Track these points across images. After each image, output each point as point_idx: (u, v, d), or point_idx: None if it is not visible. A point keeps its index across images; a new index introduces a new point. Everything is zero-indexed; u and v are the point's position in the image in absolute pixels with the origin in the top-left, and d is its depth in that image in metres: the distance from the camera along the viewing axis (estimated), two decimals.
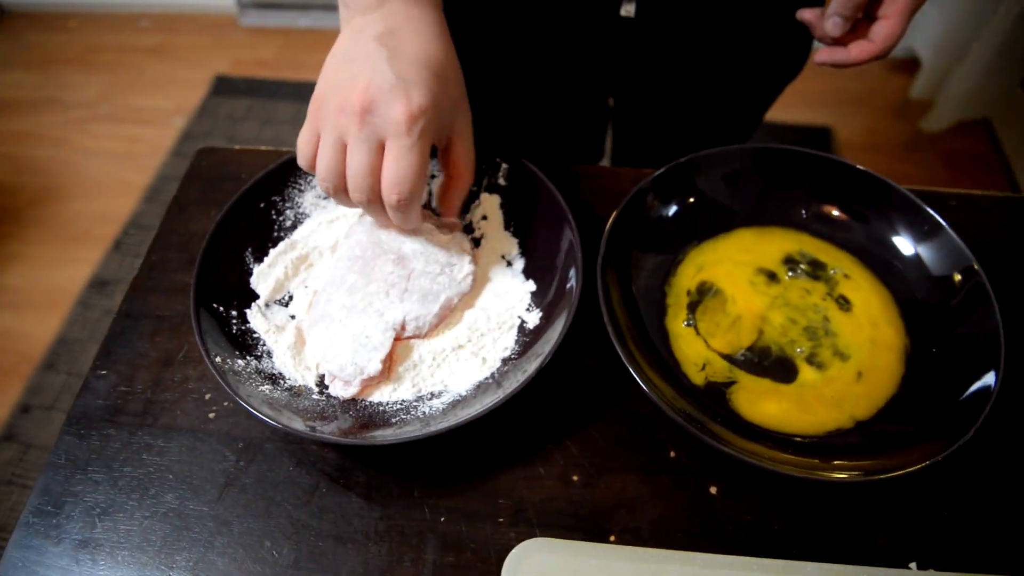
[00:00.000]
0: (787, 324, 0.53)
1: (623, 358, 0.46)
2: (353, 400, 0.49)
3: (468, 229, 0.59)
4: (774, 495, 0.46)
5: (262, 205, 0.57)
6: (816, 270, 0.55)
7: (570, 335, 0.49)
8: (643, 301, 0.53)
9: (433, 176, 0.60)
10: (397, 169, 0.46)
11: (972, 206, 0.61)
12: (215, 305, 0.51)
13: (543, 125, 0.90)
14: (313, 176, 0.59)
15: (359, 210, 0.54)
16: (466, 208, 0.60)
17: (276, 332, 0.52)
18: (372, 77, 0.45)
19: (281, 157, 0.60)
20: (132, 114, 2.13)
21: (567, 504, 0.47)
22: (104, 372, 0.54)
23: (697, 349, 0.52)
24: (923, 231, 0.52)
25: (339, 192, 0.48)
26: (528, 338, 0.51)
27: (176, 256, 0.60)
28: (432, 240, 0.54)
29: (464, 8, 0.75)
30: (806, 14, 0.59)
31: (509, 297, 0.54)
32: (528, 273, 0.55)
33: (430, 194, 0.59)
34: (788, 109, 1.99)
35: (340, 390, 0.50)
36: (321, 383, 0.51)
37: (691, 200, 0.57)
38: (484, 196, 0.59)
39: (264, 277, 0.54)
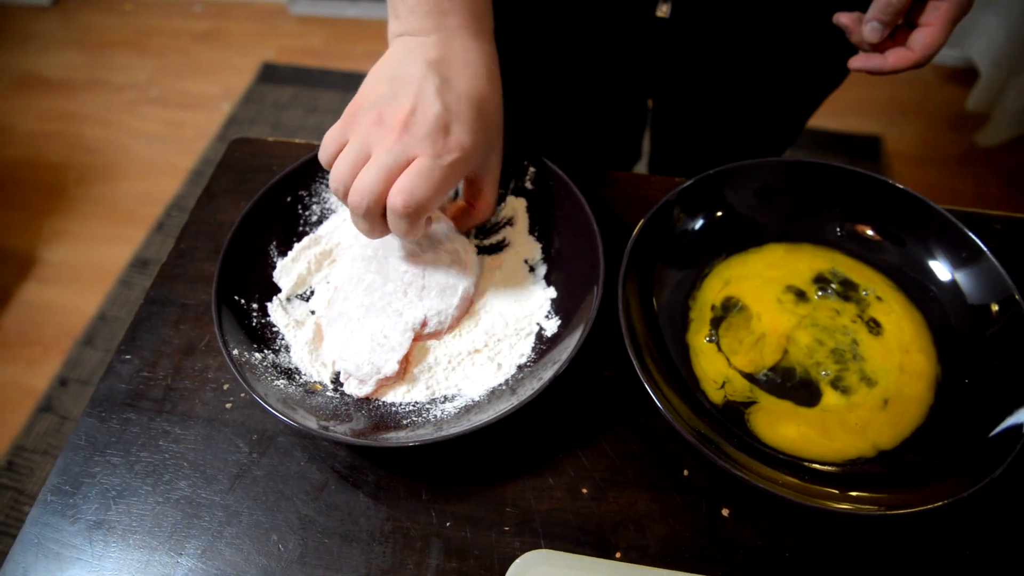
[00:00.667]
0: (813, 345, 0.51)
1: (639, 372, 0.45)
2: (366, 400, 0.50)
3: (492, 231, 0.59)
4: (788, 521, 0.45)
5: (289, 199, 0.57)
6: (847, 290, 0.54)
7: (589, 345, 0.48)
8: (665, 314, 0.52)
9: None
10: (417, 179, 0.45)
11: (1019, 230, 0.59)
12: (236, 297, 0.52)
13: (580, 126, 0.89)
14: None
15: None
16: None
17: (295, 327, 0.53)
18: (419, 101, 0.45)
19: (311, 151, 0.60)
20: (180, 98, 2.18)
21: (574, 516, 0.46)
22: (128, 357, 0.55)
23: (717, 366, 0.50)
24: (961, 256, 0.50)
25: (345, 197, 0.48)
26: (545, 346, 0.51)
27: (204, 245, 0.61)
28: (431, 232, 0.54)
29: (503, 9, 0.74)
30: (843, 18, 0.57)
31: (529, 303, 0.53)
32: (550, 279, 0.55)
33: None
34: (836, 116, 1.95)
35: (355, 388, 0.50)
36: (336, 380, 0.51)
37: (719, 214, 0.55)
38: (511, 199, 0.59)
39: (287, 272, 0.55)
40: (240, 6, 2.50)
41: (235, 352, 0.48)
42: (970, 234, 0.50)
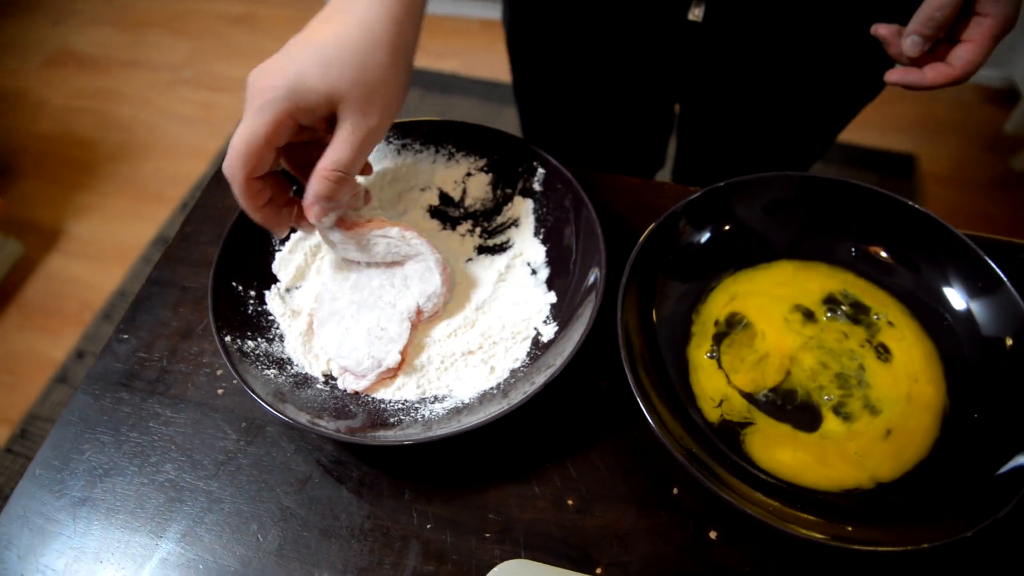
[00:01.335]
0: (818, 368, 0.50)
1: (632, 384, 0.44)
2: (356, 395, 0.49)
3: (497, 231, 0.58)
4: (776, 549, 0.44)
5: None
6: (858, 313, 0.52)
7: (585, 353, 0.47)
8: (666, 326, 0.51)
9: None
10: (237, 133, 0.43)
11: None
12: (234, 283, 0.52)
13: (605, 129, 0.88)
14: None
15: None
16: (498, 210, 0.59)
17: (291, 317, 0.52)
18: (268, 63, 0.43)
19: None
20: (212, 81, 2.20)
21: (557, 528, 0.45)
22: (126, 336, 0.55)
23: (716, 384, 0.49)
24: (978, 286, 0.48)
25: None
26: (541, 351, 0.50)
27: (209, 230, 0.61)
28: (369, 241, 0.52)
29: (533, 12, 0.73)
30: (881, 29, 0.55)
31: (527, 307, 0.52)
32: (551, 284, 0.54)
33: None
34: (869, 131, 1.90)
35: (351, 384, 0.49)
36: (328, 375, 0.50)
37: (727, 227, 0.54)
38: (517, 199, 0.58)
39: (285, 263, 0.54)
40: None
41: (228, 338, 0.48)
42: (989, 262, 0.48)
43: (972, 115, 1.99)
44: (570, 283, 0.52)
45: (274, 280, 0.54)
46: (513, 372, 0.49)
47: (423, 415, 0.47)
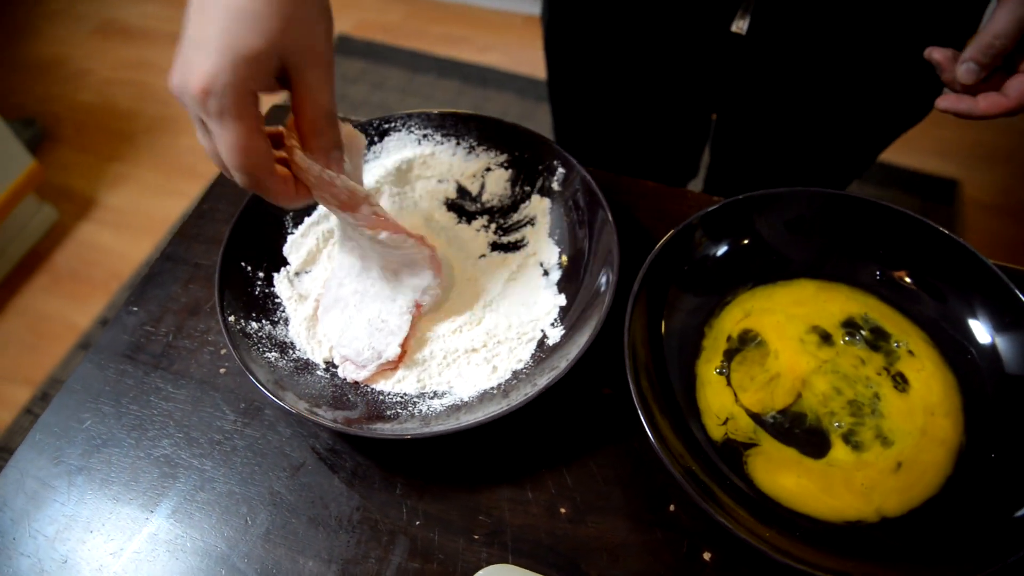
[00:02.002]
0: (831, 393, 0.48)
1: (634, 395, 0.42)
2: (355, 385, 0.49)
3: (513, 228, 0.57)
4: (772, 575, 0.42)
5: None
6: (878, 340, 0.50)
7: (591, 360, 0.46)
8: (677, 339, 0.50)
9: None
10: (225, 154, 0.38)
11: None
12: (243, 263, 0.52)
13: (640, 135, 0.86)
14: (368, 149, 0.58)
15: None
16: (515, 207, 0.58)
17: (298, 301, 0.52)
18: (177, 59, 0.38)
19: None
20: None
21: (548, 535, 0.44)
22: (135, 309, 0.55)
23: (723, 401, 0.48)
24: (1005, 320, 0.46)
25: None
26: (545, 354, 0.49)
27: (225, 208, 0.61)
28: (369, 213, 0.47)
29: (572, 15, 0.72)
30: (936, 54, 0.53)
31: (536, 308, 0.52)
32: (562, 286, 0.53)
33: None
34: (914, 153, 1.85)
35: (352, 373, 0.49)
36: (330, 362, 0.50)
37: (745, 241, 0.52)
38: (535, 198, 0.57)
39: (297, 247, 0.54)
40: None
41: (231, 318, 0.48)
42: (1020, 295, 0.46)
43: (1020, 144, 1.92)
44: (581, 287, 0.51)
45: (284, 263, 0.54)
46: (515, 373, 0.48)
47: (421, 410, 0.47)
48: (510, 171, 0.58)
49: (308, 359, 0.50)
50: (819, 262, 0.53)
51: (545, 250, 0.55)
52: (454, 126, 0.59)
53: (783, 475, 0.45)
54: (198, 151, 1.94)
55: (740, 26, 0.63)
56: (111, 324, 0.55)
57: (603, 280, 0.49)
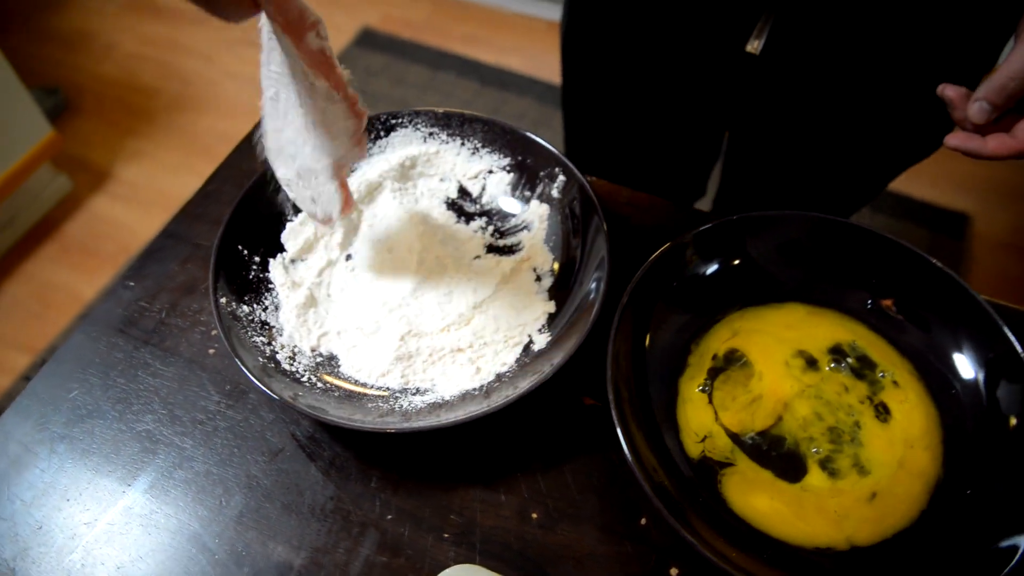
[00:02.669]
0: (811, 418, 0.48)
1: (612, 408, 0.43)
2: (338, 375, 0.49)
3: (510, 232, 0.57)
4: None
5: None
6: (864, 368, 0.50)
7: (573, 368, 0.46)
8: (662, 354, 0.50)
9: None
10: None
11: None
12: (240, 247, 0.52)
13: (649, 149, 0.86)
14: (373, 143, 0.59)
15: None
16: (513, 211, 0.58)
17: (291, 288, 0.53)
18: None
19: None
20: None
21: (517, 539, 0.44)
22: (131, 284, 0.56)
23: (703, 419, 0.48)
24: (989, 356, 0.46)
25: None
26: (529, 359, 0.49)
27: (230, 191, 0.62)
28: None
29: (590, 27, 0.73)
30: (949, 91, 0.53)
31: (525, 313, 0.52)
32: (552, 293, 0.53)
33: None
34: (926, 185, 1.85)
35: (322, 228, 0.51)
36: (315, 349, 0.50)
37: (736, 262, 0.52)
38: (534, 203, 0.57)
39: (295, 235, 0.55)
40: None
41: (223, 300, 0.48)
42: (1007, 332, 0.46)
43: None
44: (570, 295, 0.51)
45: (281, 249, 0.54)
46: (499, 376, 0.49)
47: (402, 405, 0.47)
48: (512, 175, 0.58)
49: (296, 346, 0.50)
50: (810, 286, 0.53)
51: (539, 256, 0.55)
52: (460, 126, 0.59)
53: (757, 496, 0.45)
54: (217, 132, 1.95)
55: (755, 46, 0.63)
56: (106, 297, 0.55)
57: (592, 289, 0.49)
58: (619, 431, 0.42)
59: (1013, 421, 0.44)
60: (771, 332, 0.52)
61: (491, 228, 0.57)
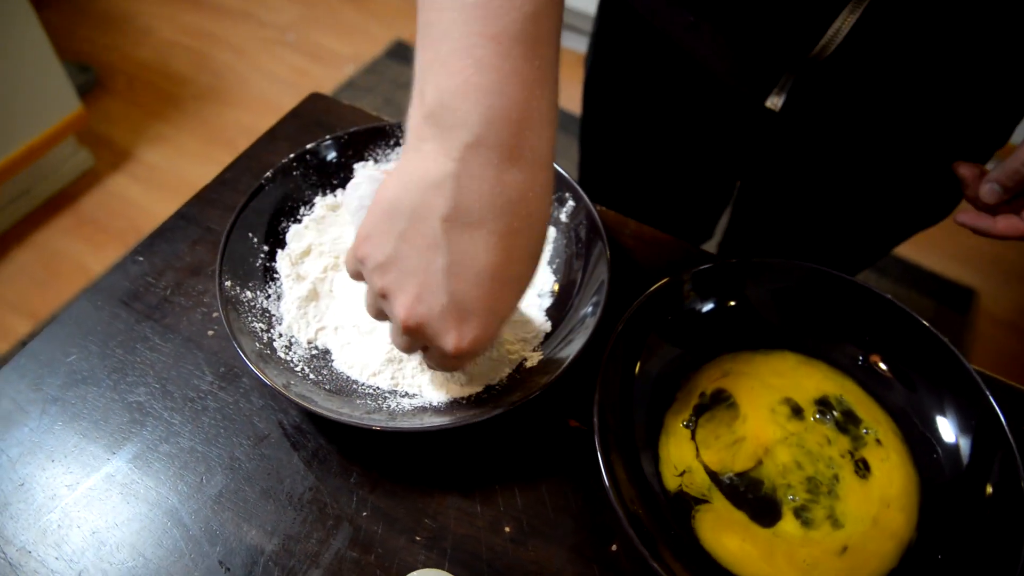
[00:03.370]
0: (791, 466, 0.48)
1: (595, 433, 0.43)
2: (330, 371, 0.50)
3: None
4: None
5: (331, 158, 0.59)
6: (848, 423, 0.51)
7: (563, 390, 0.47)
8: (650, 385, 0.50)
9: None
10: (442, 358, 0.42)
11: None
12: (250, 234, 0.53)
13: (661, 190, 0.88)
14: (392, 151, 0.60)
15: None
16: None
17: (296, 280, 0.54)
18: (422, 292, 0.37)
19: (377, 122, 0.61)
20: (312, 49, 2.27)
21: (487, 551, 0.45)
22: (140, 259, 0.57)
23: (683, 454, 0.48)
24: (971, 423, 0.47)
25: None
26: (520, 375, 0.50)
27: (247, 181, 0.63)
28: None
29: (614, 68, 0.74)
30: (963, 169, 0.55)
31: (521, 331, 0.53)
32: (550, 313, 0.54)
33: None
34: (934, 255, 1.86)
35: None
36: (312, 341, 0.51)
37: (731, 303, 0.53)
38: None
39: (298, 237, 0.56)
40: None
41: (227, 283, 0.49)
42: (991, 399, 0.46)
43: None
44: (566, 316, 0.52)
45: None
46: (488, 389, 0.49)
47: (389, 405, 0.48)
48: None
49: (293, 336, 0.51)
50: (803, 336, 0.53)
51: (541, 276, 0.56)
52: None
53: (728, 536, 0.45)
54: (241, 126, 1.98)
55: (775, 103, 0.65)
56: (114, 268, 0.56)
57: (588, 312, 0.50)
58: (600, 456, 0.42)
59: (990, 489, 0.44)
60: (760, 377, 0.53)
61: None
